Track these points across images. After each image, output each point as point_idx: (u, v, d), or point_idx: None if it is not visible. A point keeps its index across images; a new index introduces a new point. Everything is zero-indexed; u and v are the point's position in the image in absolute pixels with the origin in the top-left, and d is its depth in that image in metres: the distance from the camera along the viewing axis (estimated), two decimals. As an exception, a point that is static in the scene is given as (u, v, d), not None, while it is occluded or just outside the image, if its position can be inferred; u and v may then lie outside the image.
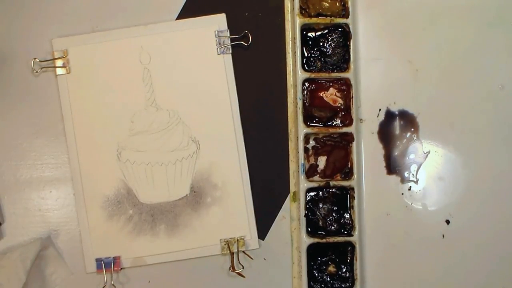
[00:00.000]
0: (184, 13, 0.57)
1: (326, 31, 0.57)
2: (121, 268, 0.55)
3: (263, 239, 0.57)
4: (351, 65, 0.56)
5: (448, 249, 0.57)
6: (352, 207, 0.56)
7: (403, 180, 0.57)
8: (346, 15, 0.56)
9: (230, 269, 0.55)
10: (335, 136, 0.57)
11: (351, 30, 0.56)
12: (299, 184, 0.56)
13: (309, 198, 0.56)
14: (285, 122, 0.57)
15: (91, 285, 0.55)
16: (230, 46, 0.56)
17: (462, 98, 0.57)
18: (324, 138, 0.57)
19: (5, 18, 0.56)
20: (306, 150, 0.56)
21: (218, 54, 0.56)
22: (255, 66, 0.57)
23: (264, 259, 0.56)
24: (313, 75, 0.56)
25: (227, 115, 0.56)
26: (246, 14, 0.57)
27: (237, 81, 0.56)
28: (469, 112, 0.57)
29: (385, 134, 0.57)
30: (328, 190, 0.56)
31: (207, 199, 0.56)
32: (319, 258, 0.56)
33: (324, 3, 0.57)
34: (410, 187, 0.57)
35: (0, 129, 0.56)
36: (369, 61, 0.58)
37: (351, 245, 0.56)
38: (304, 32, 0.57)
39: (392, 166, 0.57)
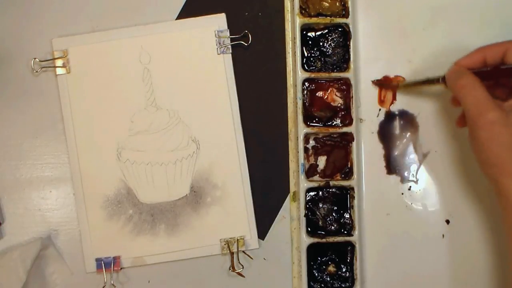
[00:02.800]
0: (184, 13, 0.57)
1: (326, 31, 0.57)
2: (121, 268, 0.55)
3: (263, 239, 0.57)
4: (351, 65, 0.56)
5: (448, 249, 0.57)
6: (352, 207, 0.56)
7: (403, 180, 0.57)
8: (346, 15, 0.56)
9: (230, 269, 0.55)
10: (335, 136, 0.57)
11: (351, 30, 0.56)
12: (299, 184, 0.56)
13: (309, 198, 0.56)
14: (285, 122, 0.57)
15: (91, 285, 0.55)
16: (230, 46, 0.56)
17: (462, 98, 0.57)
18: (324, 138, 0.57)
19: (5, 18, 0.56)
20: (306, 150, 0.56)
21: (218, 54, 0.56)
22: (255, 66, 0.57)
23: (264, 259, 0.57)
24: (313, 75, 0.56)
25: (227, 115, 0.56)
26: (246, 14, 0.57)
27: (237, 81, 0.56)
28: (469, 112, 0.57)
29: (385, 134, 0.57)
30: (328, 190, 0.56)
31: (207, 199, 0.56)
32: (319, 258, 0.56)
33: (324, 3, 0.57)
34: (410, 187, 0.57)
35: (0, 129, 0.56)
36: (369, 61, 0.58)
37: (351, 245, 0.56)
38: (304, 32, 0.57)
39: (392, 166, 0.57)
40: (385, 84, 0.57)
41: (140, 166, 0.55)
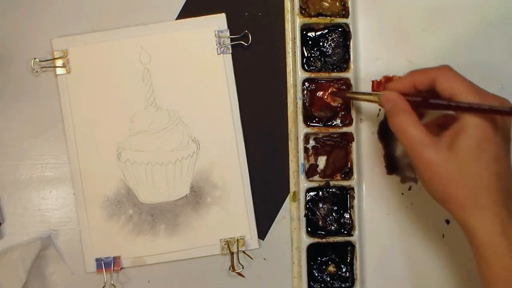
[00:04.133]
0: (184, 13, 0.57)
1: (326, 31, 0.57)
2: (121, 268, 0.55)
3: (263, 239, 0.57)
4: (351, 65, 0.56)
5: (448, 249, 0.57)
6: (352, 207, 0.56)
7: (403, 180, 0.57)
8: (346, 15, 0.56)
9: (230, 269, 0.55)
10: (335, 136, 0.57)
11: (351, 30, 0.56)
12: (299, 184, 0.56)
13: (309, 198, 0.56)
14: (285, 122, 0.57)
15: (91, 285, 0.55)
16: (230, 46, 0.56)
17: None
18: (324, 138, 0.57)
19: (5, 18, 0.56)
20: (306, 150, 0.56)
21: (218, 54, 0.56)
22: (255, 66, 0.57)
23: (264, 259, 0.57)
24: (313, 75, 0.56)
25: (227, 115, 0.56)
26: (246, 14, 0.57)
27: (237, 81, 0.56)
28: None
29: (385, 134, 0.57)
30: (328, 190, 0.56)
31: (207, 199, 0.56)
32: (319, 258, 0.56)
33: (324, 3, 0.57)
34: (410, 187, 0.57)
35: (0, 129, 0.56)
36: (369, 61, 0.58)
37: (351, 245, 0.56)
38: (304, 32, 0.57)
39: (392, 166, 0.57)
40: (337, 93, 0.56)
41: (140, 166, 0.55)
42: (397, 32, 0.58)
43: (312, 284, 0.56)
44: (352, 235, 0.56)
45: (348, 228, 0.56)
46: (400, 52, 0.58)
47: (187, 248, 0.56)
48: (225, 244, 0.55)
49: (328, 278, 0.56)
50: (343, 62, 0.57)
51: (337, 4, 0.57)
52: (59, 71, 0.55)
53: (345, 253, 0.56)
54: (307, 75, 0.56)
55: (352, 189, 0.56)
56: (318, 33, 0.57)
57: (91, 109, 0.56)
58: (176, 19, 0.57)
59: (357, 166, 0.56)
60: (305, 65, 0.57)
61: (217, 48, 0.56)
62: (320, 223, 0.56)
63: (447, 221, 0.57)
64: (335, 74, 0.56)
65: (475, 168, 0.43)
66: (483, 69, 0.58)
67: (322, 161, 0.57)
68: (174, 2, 0.57)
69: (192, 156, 0.56)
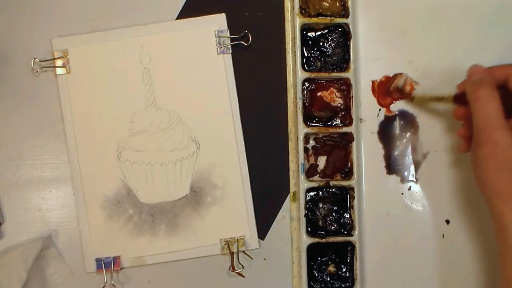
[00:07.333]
0: (184, 13, 0.57)
1: (326, 31, 0.57)
2: (121, 268, 0.55)
3: (263, 239, 0.57)
4: (351, 65, 0.56)
5: (448, 249, 0.57)
6: (352, 207, 0.56)
7: (403, 180, 0.57)
8: (346, 15, 0.56)
9: (230, 269, 0.55)
10: (335, 136, 0.57)
11: (351, 30, 0.56)
12: (299, 184, 0.56)
13: (309, 198, 0.56)
14: (285, 122, 0.57)
15: (91, 285, 0.55)
16: (230, 46, 0.56)
17: (462, 98, 0.57)
18: (324, 138, 0.57)
19: (5, 18, 0.56)
20: (306, 150, 0.56)
21: (218, 54, 0.56)
22: (255, 66, 0.57)
23: (264, 259, 0.57)
24: (313, 75, 0.56)
25: (227, 115, 0.56)
26: (246, 14, 0.57)
27: (237, 81, 0.56)
28: (469, 112, 0.57)
29: (385, 134, 0.57)
30: (328, 190, 0.56)
31: (207, 199, 0.56)
32: (319, 258, 0.56)
33: (324, 3, 0.57)
34: (410, 187, 0.57)
35: (0, 129, 0.56)
36: (369, 61, 0.58)
37: (351, 245, 0.56)
38: (304, 32, 0.57)
39: (392, 166, 0.57)
40: (402, 93, 0.57)
41: (140, 166, 0.55)
42: (397, 32, 0.58)
43: (312, 284, 0.56)
44: (352, 235, 0.56)
45: (348, 228, 0.56)
46: (400, 52, 0.58)
47: (187, 248, 0.56)
48: (225, 244, 0.55)
49: (328, 278, 0.56)
50: (343, 62, 0.57)
51: (337, 4, 0.57)
52: (59, 71, 0.55)
53: (345, 253, 0.56)
54: (307, 75, 0.56)
55: (352, 189, 0.56)
56: (318, 33, 0.57)
57: (91, 109, 0.56)
58: (176, 19, 0.57)
59: (357, 166, 0.56)
60: (305, 65, 0.57)
61: (217, 48, 0.56)
62: (320, 223, 0.56)
63: (447, 221, 0.57)
64: (335, 74, 0.56)
65: None
66: (483, 69, 0.58)
67: (322, 161, 0.57)
68: (174, 2, 0.57)
69: (192, 156, 0.56)
